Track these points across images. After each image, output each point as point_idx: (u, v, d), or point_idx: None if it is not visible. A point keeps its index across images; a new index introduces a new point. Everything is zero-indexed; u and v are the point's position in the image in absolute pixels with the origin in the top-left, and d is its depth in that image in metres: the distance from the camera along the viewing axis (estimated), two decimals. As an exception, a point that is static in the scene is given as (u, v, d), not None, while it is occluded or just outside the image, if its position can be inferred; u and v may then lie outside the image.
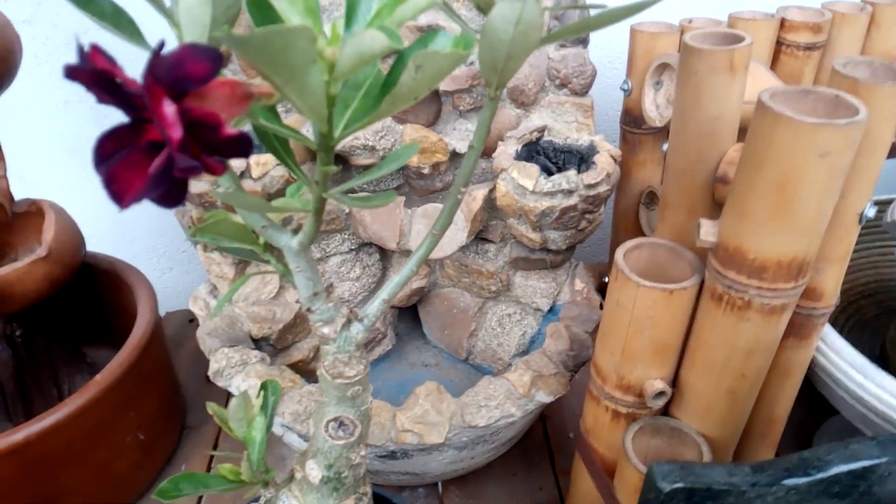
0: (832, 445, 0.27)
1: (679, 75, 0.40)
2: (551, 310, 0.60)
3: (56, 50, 0.70)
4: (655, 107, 0.59)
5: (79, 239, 0.55)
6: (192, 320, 0.80)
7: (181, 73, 0.19)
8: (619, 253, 0.40)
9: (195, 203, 0.50)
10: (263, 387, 0.41)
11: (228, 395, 0.69)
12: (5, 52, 0.47)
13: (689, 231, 0.44)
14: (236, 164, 0.50)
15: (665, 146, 0.45)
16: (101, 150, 0.22)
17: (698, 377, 0.41)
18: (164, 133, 0.19)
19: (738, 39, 0.39)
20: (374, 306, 0.35)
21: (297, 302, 0.59)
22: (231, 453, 0.45)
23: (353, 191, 0.46)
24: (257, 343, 0.56)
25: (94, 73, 0.20)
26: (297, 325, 0.59)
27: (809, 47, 0.58)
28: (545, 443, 0.63)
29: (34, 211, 0.54)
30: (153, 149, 0.22)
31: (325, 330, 0.34)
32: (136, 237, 0.84)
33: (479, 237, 0.60)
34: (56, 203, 0.55)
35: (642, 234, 0.69)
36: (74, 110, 0.74)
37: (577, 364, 0.52)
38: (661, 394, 0.41)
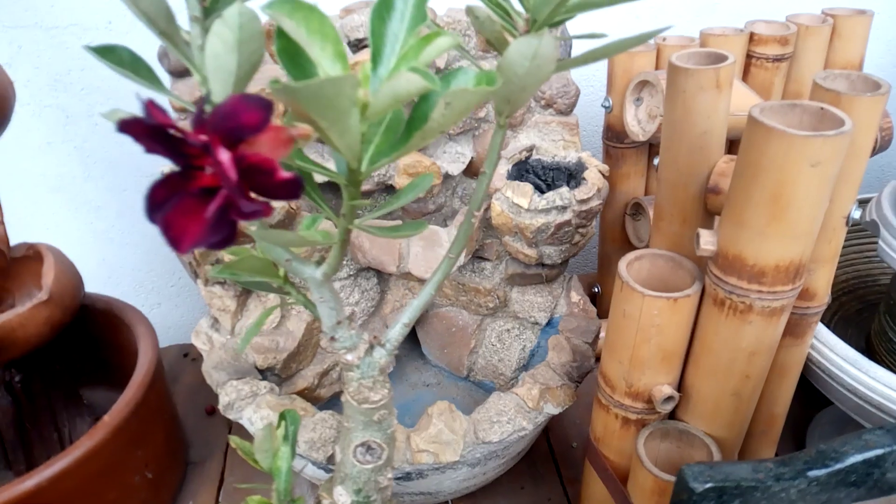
0: (846, 437, 0.28)
1: (667, 94, 0.42)
2: (549, 323, 0.62)
3: (38, 91, 0.70)
4: (637, 122, 0.61)
5: (78, 281, 0.55)
6: (186, 355, 0.80)
7: (235, 122, 0.21)
8: (622, 265, 0.42)
9: (198, 238, 0.51)
10: (282, 417, 0.42)
11: (229, 428, 0.69)
12: (2, 101, 0.47)
13: (684, 240, 0.46)
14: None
15: (657, 161, 0.47)
16: (153, 197, 0.23)
17: (704, 380, 0.42)
18: (226, 180, 0.20)
19: (722, 59, 0.41)
20: (396, 331, 0.36)
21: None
22: (258, 485, 0.45)
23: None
24: (262, 373, 0.57)
25: (148, 125, 0.22)
26: (300, 353, 0.60)
27: (778, 59, 0.61)
28: (550, 454, 0.65)
29: (31, 255, 0.54)
30: (204, 195, 0.23)
31: (349, 357, 0.35)
32: (122, 274, 0.84)
33: (476, 256, 0.61)
34: (53, 246, 0.55)
35: (629, 245, 0.71)
36: (58, 151, 0.73)
37: (581, 374, 0.54)
38: (669, 398, 0.43)
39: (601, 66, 0.63)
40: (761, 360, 0.40)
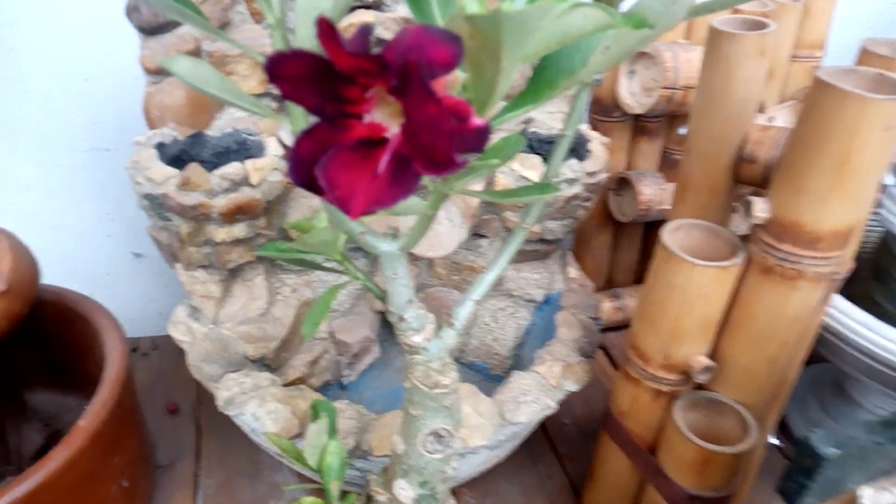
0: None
1: (707, 60, 0.42)
2: (546, 300, 0.61)
3: (-46, 51, 0.60)
4: (631, 94, 0.60)
5: (35, 269, 0.48)
6: (135, 349, 0.72)
7: (423, 58, 0.17)
8: (666, 236, 0.41)
9: (188, 216, 0.45)
10: (315, 408, 0.38)
11: (197, 426, 0.63)
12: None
13: (711, 210, 0.46)
14: (231, 170, 0.46)
15: (682, 130, 0.46)
16: (299, 152, 0.19)
17: (740, 349, 0.43)
18: (431, 125, 0.17)
19: (761, 25, 0.41)
20: (466, 308, 0.33)
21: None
22: (304, 485, 0.41)
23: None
24: (252, 364, 0.52)
25: (312, 60, 0.18)
26: (290, 340, 0.55)
27: (757, 35, 0.63)
28: (544, 434, 0.64)
29: (-22, 239, 0.46)
30: (365, 147, 0.19)
31: (416, 339, 0.32)
32: (51, 261, 0.74)
33: (473, 233, 0.59)
34: (5, 229, 0.47)
35: (609, 220, 0.71)
36: (-23, 121, 0.64)
37: (592, 349, 0.53)
38: (708, 368, 0.43)
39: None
40: (801, 325, 0.41)
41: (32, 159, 0.67)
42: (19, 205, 0.69)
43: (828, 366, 0.61)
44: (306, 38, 0.25)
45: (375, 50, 0.17)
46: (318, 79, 0.18)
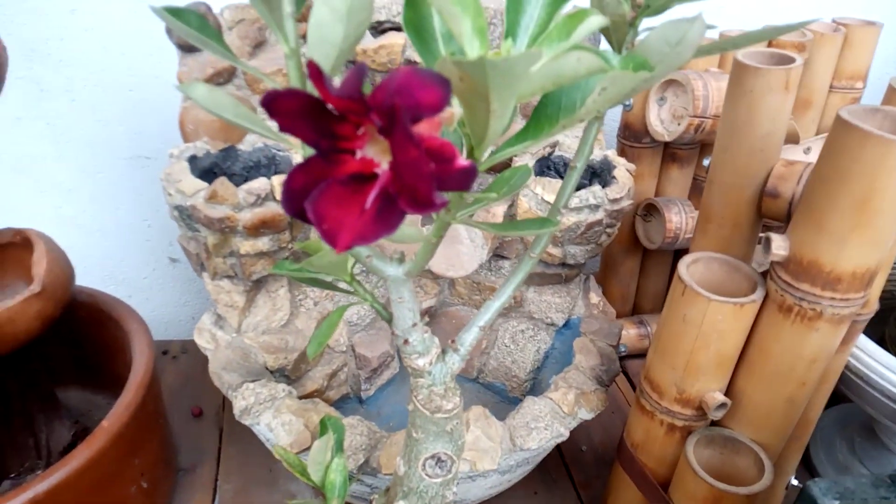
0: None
1: (730, 93, 0.41)
2: (566, 324, 0.60)
3: (10, 62, 0.63)
4: (660, 122, 0.60)
5: (70, 271, 0.50)
6: (165, 352, 0.74)
7: (412, 101, 0.18)
8: (683, 268, 0.41)
9: (215, 228, 0.47)
10: (323, 424, 0.39)
11: (220, 431, 0.65)
12: (-5, 66, 0.42)
13: (733, 244, 0.45)
14: (258, 185, 0.47)
15: (706, 161, 0.46)
16: (291, 184, 0.20)
17: (757, 387, 0.42)
18: (412, 166, 0.17)
19: (788, 60, 0.40)
20: (472, 335, 0.34)
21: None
22: (306, 501, 0.42)
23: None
24: (272, 375, 0.53)
25: (305, 99, 0.18)
26: (310, 353, 0.56)
27: (794, 65, 0.62)
28: (560, 459, 0.63)
29: (18, 241, 0.48)
30: (355, 182, 0.20)
31: (420, 362, 0.33)
32: (91, 264, 0.77)
33: (495, 254, 0.59)
34: (42, 232, 0.49)
35: (635, 246, 0.71)
36: (27, 127, 0.67)
37: (610, 378, 0.52)
38: (722, 405, 0.42)
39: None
40: (820, 366, 0.40)
41: (76, 165, 0.70)
42: (63, 209, 0.72)
43: (858, 406, 0.59)
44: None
45: (372, 85, 0.18)
46: (313, 115, 0.19)
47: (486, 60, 0.17)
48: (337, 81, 0.18)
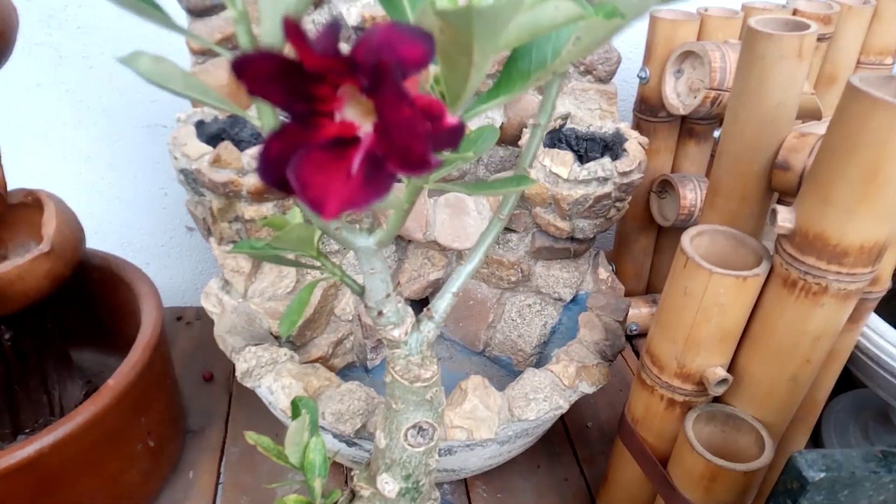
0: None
1: (742, 61, 0.40)
2: (574, 300, 0.60)
3: (29, 28, 0.64)
4: (676, 95, 0.59)
5: (80, 233, 0.51)
6: (179, 318, 0.76)
7: (394, 57, 0.17)
8: (686, 240, 0.40)
9: (219, 192, 0.47)
10: (295, 406, 0.38)
11: (229, 395, 0.66)
12: (4, 27, 0.42)
13: (741, 218, 0.44)
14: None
15: (717, 133, 0.45)
16: (268, 152, 0.19)
17: (760, 364, 0.41)
18: (405, 126, 0.17)
19: (803, 27, 0.39)
20: (445, 301, 0.33)
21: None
22: (288, 482, 0.42)
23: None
24: (276, 341, 0.53)
25: (278, 60, 0.18)
26: (315, 320, 0.57)
27: (819, 38, 0.60)
28: (565, 434, 0.63)
29: (30, 202, 0.49)
30: (336, 147, 0.19)
31: (396, 333, 0.32)
32: (109, 231, 0.79)
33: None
34: (53, 193, 0.50)
35: (650, 223, 0.69)
36: (47, 93, 0.68)
37: (614, 353, 0.52)
38: (723, 381, 0.41)
39: (637, 34, 0.61)
40: (826, 344, 0.39)
41: (96, 133, 0.71)
42: (82, 176, 0.74)
43: (873, 392, 0.57)
44: (270, 32, 0.25)
45: (345, 46, 0.17)
46: (287, 78, 0.18)
47: (474, 9, 0.17)
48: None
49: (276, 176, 0.19)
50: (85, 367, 0.64)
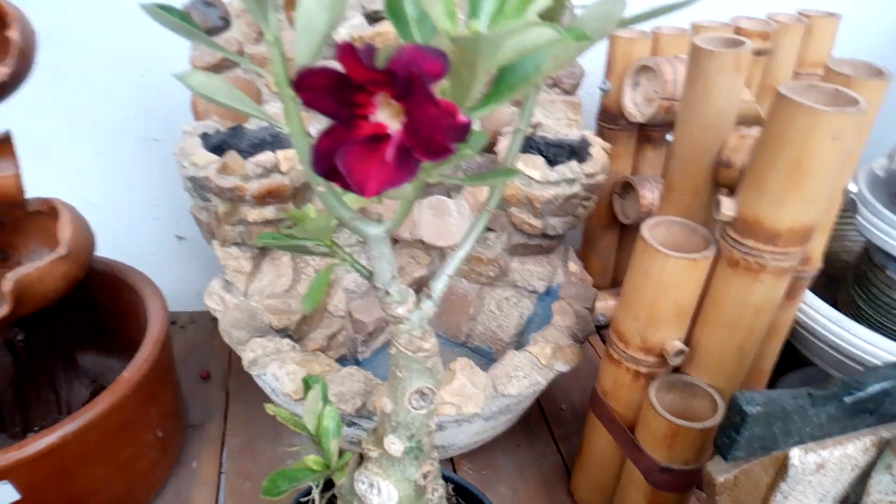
0: (867, 371, 0.33)
1: (689, 74, 0.46)
2: (546, 292, 0.65)
3: (29, 47, 0.67)
4: (634, 104, 0.65)
5: (91, 239, 0.55)
6: (174, 322, 0.79)
7: (419, 70, 0.22)
8: (645, 229, 0.46)
9: (225, 197, 0.51)
10: (306, 383, 0.43)
11: (226, 392, 0.70)
12: (27, 47, 0.46)
13: (693, 210, 0.50)
14: (264, 158, 0.52)
15: (669, 137, 0.51)
16: (319, 148, 0.24)
17: (711, 336, 0.47)
18: (431, 122, 0.22)
19: (740, 44, 0.45)
20: (441, 282, 0.38)
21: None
22: (303, 447, 0.47)
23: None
24: (277, 334, 0.58)
25: (333, 75, 0.23)
26: (312, 316, 0.61)
27: (759, 53, 0.67)
28: (542, 416, 0.68)
29: (45, 210, 0.53)
30: (372, 142, 0.24)
31: (400, 310, 0.37)
32: (103, 241, 0.81)
33: (481, 226, 0.64)
34: (67, 202, 0.54)
35: (613, 222, 0.76)
36: (45, 110, 0.71)
37: (584, 336, 0.57)
38: (680, 352, 0.47)
39: (599, 51, 0.67)
40: (766, 316, 0.45)
41: (90, 146, 0.75)
42: (77, 188, 0.77)
43: (820, 370, 0.64)
44: (306, 54, 0.30)
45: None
46: (336, 88, 0.23)
47: (480, 35, 0.22)
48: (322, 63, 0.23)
49: (326, 166, 0.24)
50: (88, 368, 0.67)
